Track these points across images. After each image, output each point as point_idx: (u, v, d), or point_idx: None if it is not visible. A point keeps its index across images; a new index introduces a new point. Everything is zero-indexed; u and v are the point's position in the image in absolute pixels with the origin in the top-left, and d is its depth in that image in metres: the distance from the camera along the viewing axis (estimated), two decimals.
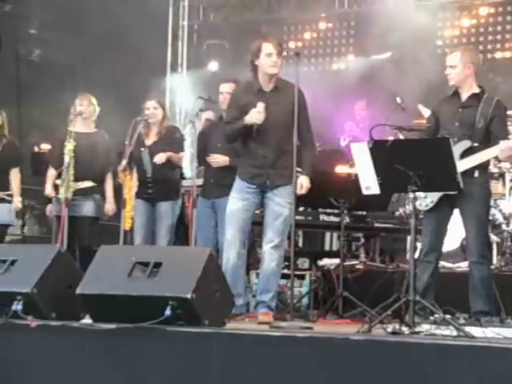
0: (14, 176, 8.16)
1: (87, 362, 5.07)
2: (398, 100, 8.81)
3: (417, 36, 10.80)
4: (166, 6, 12.43)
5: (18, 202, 8.15)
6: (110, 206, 7.82)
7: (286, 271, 7.91)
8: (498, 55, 11.01)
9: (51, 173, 7.93)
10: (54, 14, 10.77)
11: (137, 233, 7.58)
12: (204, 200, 7.37)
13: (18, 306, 5.20)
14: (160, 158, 7.42)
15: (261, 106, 6.26)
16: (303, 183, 6.36)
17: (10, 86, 11.38)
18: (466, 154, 6.01)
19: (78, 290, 5.20)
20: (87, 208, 7.75)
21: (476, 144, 6.07)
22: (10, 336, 5.24)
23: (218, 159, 7.22)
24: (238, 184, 6.44)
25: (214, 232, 7.27)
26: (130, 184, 7.35)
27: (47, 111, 10.83)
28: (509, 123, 6.73)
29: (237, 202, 6.38)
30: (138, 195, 7.56)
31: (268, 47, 6.32)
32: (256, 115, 6.27)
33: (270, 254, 6.31)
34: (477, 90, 6.24)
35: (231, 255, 6.31)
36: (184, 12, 12.70)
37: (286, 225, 6.32)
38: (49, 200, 8.04)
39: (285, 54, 6.37)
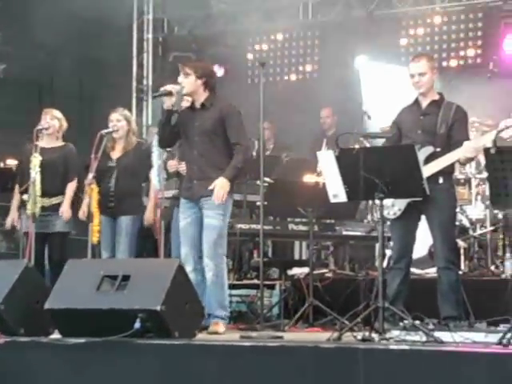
0: None
1: (57, 377, 5.04)
2: (364, 108, 8.85)
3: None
4: (130, 20, 12.42)
5: None
6: (63, 208, 7.71)
7: (256, 281, 7.92)
8: (453, 63, 11.10)
9: (15, 196, 7.85)
10: (17, 28, 10.70)
11: (103, 248, 7.54)
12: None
13: None
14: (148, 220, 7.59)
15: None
16: (216, 182, 6.31)
17: None
18: (429, 159, 6.05)
19: (46, 305, 5.18)
20: (59, 224, 7.69)
21: (438, 149, 6.12)
22: None
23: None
24: (181, 201, 6.59)
25: None
26: (97, 197, 7.30)
27: (12, 127, 10.76)
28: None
29: (182, 220, 6.52)
30: (101, 210, 7.50)
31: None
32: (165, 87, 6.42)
33: (206, 265, 6.34)
34: (436, 97, 6.29)
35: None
36: (148, 25, 12.71)
37: (217, 235, 6.33)
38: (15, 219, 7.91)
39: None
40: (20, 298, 5.38)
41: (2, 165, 10.06)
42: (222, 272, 6.38)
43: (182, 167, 6.93)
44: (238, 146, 6.41)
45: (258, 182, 6.70)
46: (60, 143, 7.93)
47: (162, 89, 6.47)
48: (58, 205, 7.70)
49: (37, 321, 5.31)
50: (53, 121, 7.84)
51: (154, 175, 7.65)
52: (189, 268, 6.24)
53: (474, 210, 8.01)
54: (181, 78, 6.49)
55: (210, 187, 6.31)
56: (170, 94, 6.41)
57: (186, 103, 6.68)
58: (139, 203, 7.68)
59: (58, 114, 7.92)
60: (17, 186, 7.90)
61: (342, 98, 10.48)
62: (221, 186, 6.31)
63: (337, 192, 5.65)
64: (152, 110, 12.52)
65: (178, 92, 6.42)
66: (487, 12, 11.00)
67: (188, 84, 6.44)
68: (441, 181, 6.10)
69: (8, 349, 5.11)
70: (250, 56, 12.17)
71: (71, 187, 7.79)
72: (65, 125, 7.95)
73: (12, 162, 9.49)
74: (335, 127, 10.04)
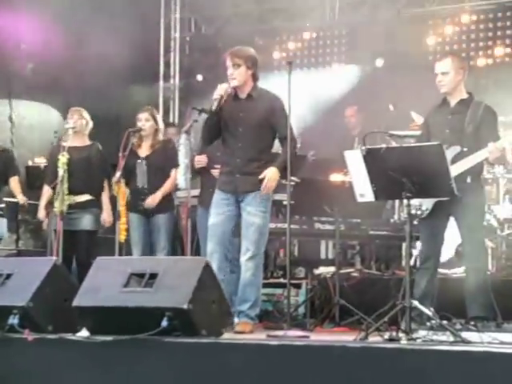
0: (15, 183, 8.37)
1: (84, 374, 5.05)
2: (391, 107, 8.82)
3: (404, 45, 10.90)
4: (157, 18, 12.44)
5: (22, 198, 8.47)
6: (107, 218, 7.82)
7: (282, 280, 7.92)
8: (481, 62, 10.98)
9: (45, 191, 7.94)
10: (45, 26, 10.76)
11: (134, 247, 7.58)
12: (203, 210, 7.30)
13: (14, 320, 5.21)
14: (151, 203, 7.50)
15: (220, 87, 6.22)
16: (267, 173, 6.20)
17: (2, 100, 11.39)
18: (456, 159, 6.03)
19: (74, 303, 5.20)
20: (85, 222, 7.74)
21: (465, 149, 6.08)
22: (6, 350, 5.23)
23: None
24: (216, 196, 6.40)
25: None
26: (125, 196, 7.34)
27: (40, 126, 10.83)
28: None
29: (214, 216, 6.33)
30: (132, 208, 7.54)
31: (227, 60, 6.28)
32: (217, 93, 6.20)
33: (245, 265, 6.25)
34: (465, 96, 6.26)
35: None
36: (176, 24, 12.73)
37: (259, 234, 6.23)
38: (46, 214, 8.01)
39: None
40: (48, 295, 5.40)
41: (30, 163, 10.16)
42: (260, 272, 6.34)
43: (215, 172, 6.85)
44: (291, 146, 6.20)
45: (285, 181, 6.70)
46: (87, 142, 7.96)
47: (214, 97, 6.19)
48: (84, 203, 7.73)
49: (65, 318, 5.33)
50: (80, 120, 7.88)
51: (180, 174, 7.68)
52: (213, 266, 6.22)
53: (502, 209, 7.97)
54: (230, 70, 6.23)
55: (261, 176, 6.17)
56: (222, 97, 6.19)
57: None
58: (172, 200, 7.73)
59: (84, 113, 7.96)
60: (45, 185, 7.97)
61: (367, 97, 10.46)
62: (272, 177, 6.18)
63: (364, 191, 5.63)
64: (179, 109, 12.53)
65: (226, 90, 6.19)
66: None
67: (239, 75, 6.21)
68: (469, 180, 6.07)
69: (36, 346, 5.13)
70: (276, 55, 12.17)
71: (107, 194, 7.84)
72: (91, 123, 7.99)
73: (40, 161, 9.59)
74: (361, 126, 10.00)
